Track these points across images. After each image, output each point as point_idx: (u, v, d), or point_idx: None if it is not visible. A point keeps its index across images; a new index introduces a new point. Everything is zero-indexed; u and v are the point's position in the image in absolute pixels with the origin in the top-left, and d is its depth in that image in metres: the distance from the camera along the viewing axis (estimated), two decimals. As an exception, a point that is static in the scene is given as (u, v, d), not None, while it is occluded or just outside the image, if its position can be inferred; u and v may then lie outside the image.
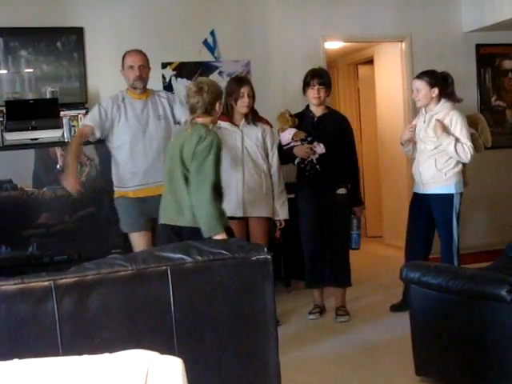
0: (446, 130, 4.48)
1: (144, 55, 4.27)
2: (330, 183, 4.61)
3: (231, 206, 4.50)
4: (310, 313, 4.80)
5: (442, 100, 4.59)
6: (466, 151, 4.48)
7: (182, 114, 4.25)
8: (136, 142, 4.17)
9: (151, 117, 4.21)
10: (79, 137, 4.33)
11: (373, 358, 3.94)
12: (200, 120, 3.62)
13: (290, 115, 4.66)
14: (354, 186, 4.76)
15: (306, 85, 4.65)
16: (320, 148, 4.57)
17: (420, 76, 4.64)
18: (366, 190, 7.20)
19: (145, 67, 4.24)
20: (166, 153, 3.85)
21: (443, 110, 4.57)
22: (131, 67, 4.17)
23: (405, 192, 6.76)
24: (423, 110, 4.67)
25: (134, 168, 4.20)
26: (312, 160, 4.58)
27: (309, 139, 4.58)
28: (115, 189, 4.32)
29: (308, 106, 4.75)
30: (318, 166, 4.58)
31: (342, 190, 4.65)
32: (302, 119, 4.68)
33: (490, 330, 3.01)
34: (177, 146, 3.63)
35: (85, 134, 4.25)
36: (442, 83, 4.60)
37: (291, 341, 4.15)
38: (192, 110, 3.63)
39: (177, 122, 4.39)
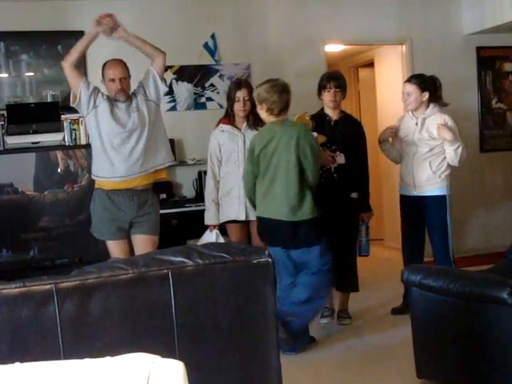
0: (454, 133, 4.49)
1: (124, 65, 4.15)
2: (343, 189, 4.59)
3: (233, 209, 4.51)
4: (322, 316, 4.70)
5: (431, 104, 4.63)
6: (464, 155, 4.54)
7: (149, 81, 4.19)
8: (115, 135, 4.06)
9: (131, 114, 4.11)
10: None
11: (374, 360, 3.93)
12: (285, 117, 4.00)
13: (310, 118, 4.53)
14: (364, 191, 4.73)
15: (322, 88, 4.61)
16: (341, 158, 4.51)
17: (410, 80, 4.68)
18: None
19: (126, 79, 4.12)
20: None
21: (434, 114, 4.60)
22: (112, 80, 4.07)
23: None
24: (410, 113, 4.70)
25: (111, 159, 4.08)
26: (330, 168, 4.54)
27: (333, 147, 4.52)
28: (94, 178, 4.20)
29: (323, 109, 4.71)
30: (335, 175, 4.54)
31: (354, 194, 4.63)
32: (319, 122, 4.58)
33: (491, 333, 3.01)
34: (271, 145, 3.95)
35: (77, 72, 4.12)
36: (431, 87, 4.63)
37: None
38: (276, 109, 3.96)
39: (159, 91, 4.27)
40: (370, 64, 7.58)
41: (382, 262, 6.62)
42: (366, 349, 4.18)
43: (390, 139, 4.85)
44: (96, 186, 4.19)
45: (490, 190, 6.64)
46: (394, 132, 4.77)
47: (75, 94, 4.08)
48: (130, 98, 4.15)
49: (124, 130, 4.06)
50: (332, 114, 4.65)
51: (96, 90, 4.11)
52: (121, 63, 4.14)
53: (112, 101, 4.11)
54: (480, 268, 4.07)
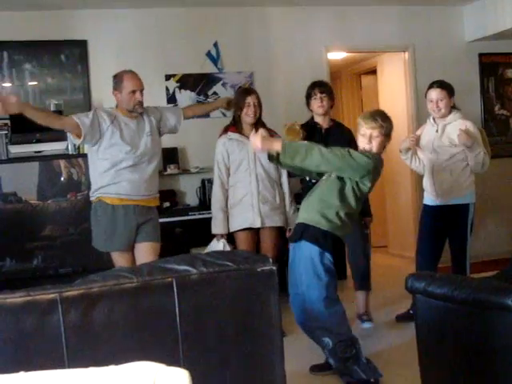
0: (476, 139, 4.41)
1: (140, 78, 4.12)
2: None
3: (247, 217, 4.47)
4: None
5: (453, 110, 4.55)
6: (487, 162, 4.46)
7: (173, 118, 4.26)
8: (128, 157, 4.01)
9: (142, 134, 4.09)
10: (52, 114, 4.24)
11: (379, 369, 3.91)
12: None
13: (300, 127, 4.47)
14: None
15: (308, 96, 4.65)
16: None
17: (440, 86, 4.54)
18: (370, 200, 7.19)
19: (143, 91, 4.09)
20: None
21: (456, 120, 4.51)
22: (133, 92, 4.00)
23: (409, 202, 6.75)
24: (432, 120, 4.62)
25: (122, 178, 4.03)
26: None
27: None
28: (96, 194, 4.08)
29: (313, 118, 4.72)
30: None
31: None
32: (308, 131, 4.54)
33: (496, 340, 2.99)
34: None
35: (66, 121, 3.98)
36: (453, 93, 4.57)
37: (297, 352, 4.13)
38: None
39: (173, 130, 4.37)
40: (373, 71, 7.59)
41: (387, 269, 6.60)
42: (371, 356, 4.15)
43: (412, 148, 4.68)
44: (96, 200, 4.11)
45: (493, 197, 6.63)
46: (415, 140, 4.59)
47: (76, 134, 3.97)
48: (141, 114, 4.13)
49: (135, 152, 4.02)
50: (322, 122, 4.66)
51: (95, 118, 3.97)
52: (138, 75, 4.09)
53: (118, 122, 4.03)
54: (485, 274, 4.06)
